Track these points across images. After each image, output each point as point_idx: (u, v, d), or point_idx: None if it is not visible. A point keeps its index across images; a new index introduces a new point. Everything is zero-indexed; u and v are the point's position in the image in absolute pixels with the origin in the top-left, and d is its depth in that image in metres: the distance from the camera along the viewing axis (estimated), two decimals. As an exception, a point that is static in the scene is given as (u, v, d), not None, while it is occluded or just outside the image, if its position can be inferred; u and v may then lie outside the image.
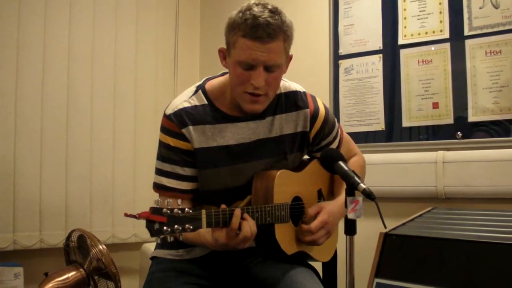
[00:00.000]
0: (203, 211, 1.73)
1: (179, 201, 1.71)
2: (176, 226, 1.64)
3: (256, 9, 1.88)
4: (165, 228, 1.62)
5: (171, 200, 1.67)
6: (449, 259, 1.53)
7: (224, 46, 2.02)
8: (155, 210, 1.63)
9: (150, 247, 3.21)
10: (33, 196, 3.44)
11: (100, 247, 2.95)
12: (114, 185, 3.83)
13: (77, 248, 3.06)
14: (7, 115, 3.37)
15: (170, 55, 4.32)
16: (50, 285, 2.90)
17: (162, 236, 1.63)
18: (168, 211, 1.63)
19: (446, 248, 1.54)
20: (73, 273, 2.97)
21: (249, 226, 1.84)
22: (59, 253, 3.30)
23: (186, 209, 1.68)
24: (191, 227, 1.68)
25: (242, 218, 1.84)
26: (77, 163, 3.65)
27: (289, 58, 2.04)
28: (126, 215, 1.64)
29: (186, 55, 4.44)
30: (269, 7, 1.91)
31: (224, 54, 2.02)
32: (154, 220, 1.62)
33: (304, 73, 3.58)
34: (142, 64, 4.05)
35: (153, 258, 2.25)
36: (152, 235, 1.63)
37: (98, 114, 3.78)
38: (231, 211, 1.83)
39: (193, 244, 2.10)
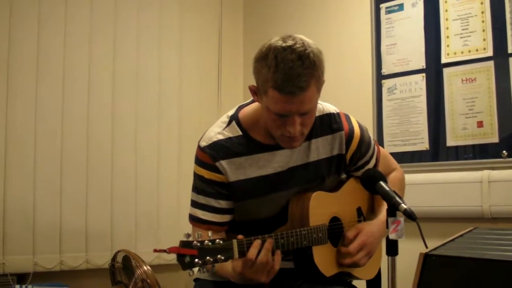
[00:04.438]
0: (234, 241, 1.73)
1: (210, 232, 1.71)
2: (207, 257, 1.64)
3: (284, 56, 1.77)
4: (196, 260, 1.63)
5: (201, 232, 1.68)
6: (490, 280, 1.50)
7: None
8: (184, 244, 1.64)
9: (195, 268, 3.22)
10: (79, 218, 3.51)
11: (145, 268, 2.98)
12: (159, 207, 3.87)
13: (122, 269, 3.09)
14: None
15: (213, 77, 4.36)
16: (95, 305, 2.95)
17: (193, 269, 1.63)
18: (198, 244, 1.64)
19: (487, 269, 1.52)
20: (118, 293, 3.01)
21: (267, 255, 1.78)
22: (104, 273, 3.34)
23: (217, 240, 1.68)
24: (223, 257, 1.68)
25: (263, 248, 1.78)
26: (122, 185, 3.72)
27: (322, 84, 1.92)
28: (155, 250, 1.67)
29: (230, 76, 4.46)
30: (297, 47, 1.78)
31: (254, 92, 1.94)
32: (185, 254, 1.63)
33: (348, 93, 3.57)
34: (186, 87, 4.11)
35: (196, 280, 2.23)
36: (183, 268, 1.64)
37: (143, 137, 3.85)
38: (264, 237, 1.80)
39: (222, 278, 2.02)
